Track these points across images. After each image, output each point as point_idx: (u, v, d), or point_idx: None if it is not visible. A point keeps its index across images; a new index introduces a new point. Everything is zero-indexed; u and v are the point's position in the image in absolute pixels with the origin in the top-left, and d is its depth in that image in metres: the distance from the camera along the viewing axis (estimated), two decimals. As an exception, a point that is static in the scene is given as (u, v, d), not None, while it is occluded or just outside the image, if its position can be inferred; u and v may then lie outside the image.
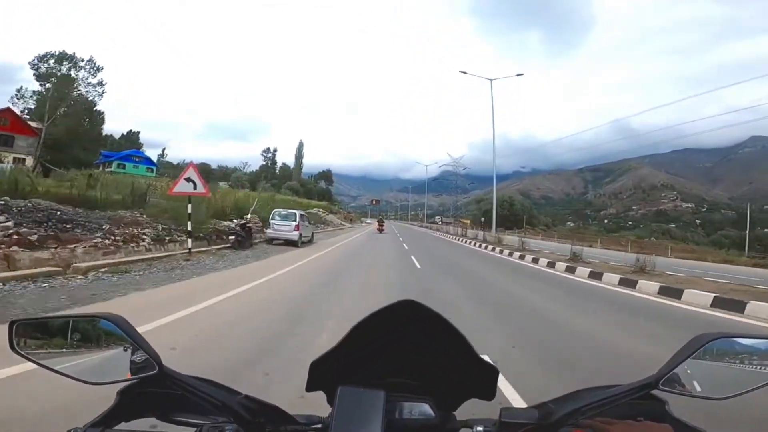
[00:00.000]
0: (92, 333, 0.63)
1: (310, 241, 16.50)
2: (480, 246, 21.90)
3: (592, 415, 0.62)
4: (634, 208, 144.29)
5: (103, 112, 43.54)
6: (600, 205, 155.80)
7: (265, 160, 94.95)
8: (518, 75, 28.03)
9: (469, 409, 0.73)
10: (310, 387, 0.70)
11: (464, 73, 25.93)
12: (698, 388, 0.61)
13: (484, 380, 0.70)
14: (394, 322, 0.64)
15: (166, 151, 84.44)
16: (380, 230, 33.32)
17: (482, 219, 48.97)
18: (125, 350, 0.60)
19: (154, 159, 56.12)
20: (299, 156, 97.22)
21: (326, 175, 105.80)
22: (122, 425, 0.63)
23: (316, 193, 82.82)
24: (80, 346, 0.62)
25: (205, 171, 54.19)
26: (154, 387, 0.62)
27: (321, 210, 48.24)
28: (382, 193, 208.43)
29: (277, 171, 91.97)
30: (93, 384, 0.61)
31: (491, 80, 25.02)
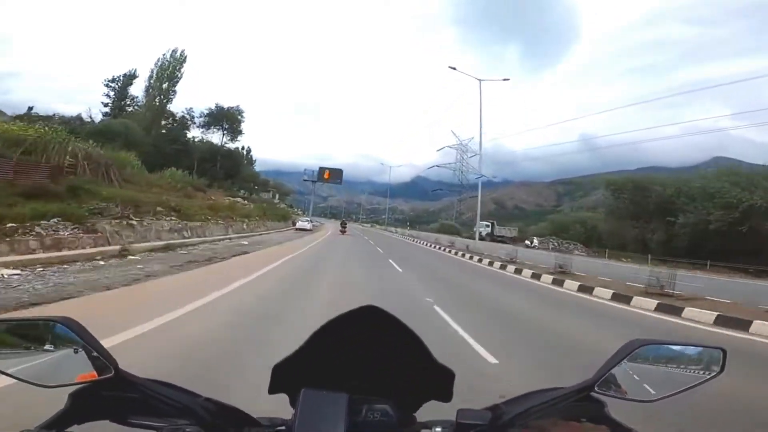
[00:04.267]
0: (46, 336, 0.61)
1: None
2: None
3: (539, 416, 0.65)
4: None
5: None
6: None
7: (113, 96, 43.20)
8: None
9: (430, 410, 0.76)
10: (273, 389, 0.71)
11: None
12: (630, 391, 0.66)
13: (441, 383, 0.72)
14: (357, 326, 0.66)
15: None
16: (342, 232, 32.81)
17: None
18: (79, 353, 0.59)
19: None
20: (167, 77, 42.85)
21: (229, 117, 47.57)
22: (74, 428, 0.62)
23: (198, 154, 40.93)
24: (34, 349, 0.61)
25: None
26: (110, 390, 0.61)
27: None
28: (355, 195, 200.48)
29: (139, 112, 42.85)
30: (46, 387, 0.60)
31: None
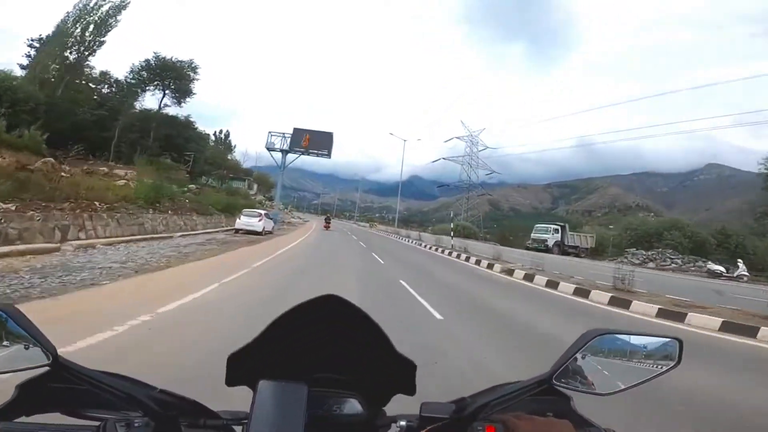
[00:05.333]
0: None
1: None
2: None
3: (502, 409, 0.63)
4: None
5: None
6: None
7: (31, 57, 28.58)
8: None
9: (399, 403, 0.74)
10: (231, 381, 0.68)
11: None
12: (587, 383, 0.65)
13: (404, 376, 0.71)
14: (317, 316, 0.64)
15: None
16: (327, 227, 32.28)
17: None
18: (18, 341, 0.57)
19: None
20: (94, 23, 29.58)
21: (175, 71, 31.79)
22: (22, 419, 0.60)
23: (125, 121, 29.33)
24: None
25: None
26: (56, 381, 0.60)
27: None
28: (348, 193, 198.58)
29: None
30: None
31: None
